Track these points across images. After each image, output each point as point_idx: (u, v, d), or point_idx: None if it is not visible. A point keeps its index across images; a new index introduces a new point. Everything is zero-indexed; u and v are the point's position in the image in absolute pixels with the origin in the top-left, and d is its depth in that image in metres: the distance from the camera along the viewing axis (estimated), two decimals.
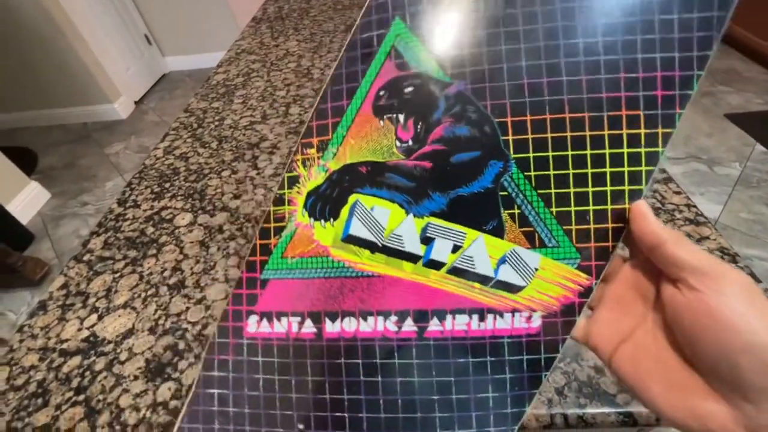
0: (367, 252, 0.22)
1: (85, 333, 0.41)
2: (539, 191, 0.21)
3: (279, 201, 0.25)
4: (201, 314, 0.42)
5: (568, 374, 0.34)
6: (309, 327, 0.23)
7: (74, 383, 0.37)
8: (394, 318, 0.22)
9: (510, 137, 0.21)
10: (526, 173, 0.21)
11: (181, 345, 0.39)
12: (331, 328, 0.22)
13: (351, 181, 0.23)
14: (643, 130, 0.20)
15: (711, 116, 1.77)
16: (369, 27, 0.23)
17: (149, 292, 0.44)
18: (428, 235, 0.22)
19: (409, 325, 0.22)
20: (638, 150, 0.20)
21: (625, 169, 0.20)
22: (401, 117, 0.22)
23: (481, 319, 0.21)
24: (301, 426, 0.22)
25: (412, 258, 0.22)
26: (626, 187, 0.20)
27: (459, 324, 0.21)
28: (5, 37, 1.89)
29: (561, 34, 0.20)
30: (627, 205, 0.20)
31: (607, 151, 0.20)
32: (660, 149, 0.20)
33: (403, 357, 0.22)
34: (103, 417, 0.34)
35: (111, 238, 0.52)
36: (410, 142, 0.22)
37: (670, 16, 0.20)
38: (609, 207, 0.20)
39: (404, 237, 0.22)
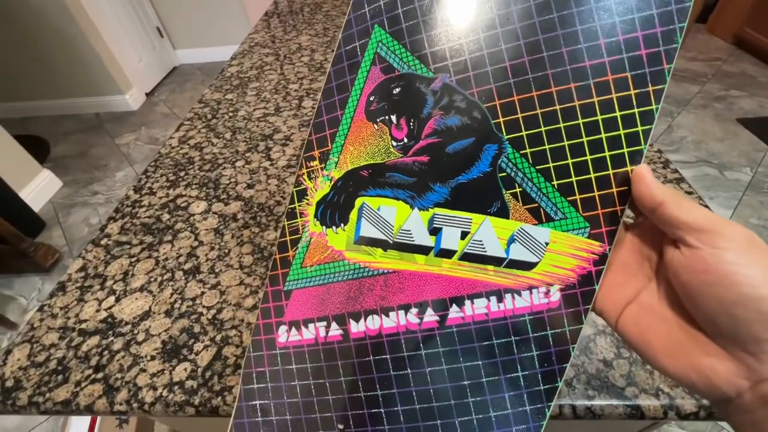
0: (379, 251, 0.23)
1: (103, 314, 0.42)
2: (537, 167, 0.21)
3: (291, 215, 0.26)
4: (216, 299, 0.43)
5: (577, 366, 0.34)
6: (335, 330, 0.23)
7: (93, 362, 0.38)
8: (414, 311, 0.22)
9: (501, 119, 0.21)
10: (521, 152, 0.21)
11: (197, 328, 0.40)
12: (356, 328, 0.23)
13: (355, 185, 0.24)
14: (632, 91, 0.20)
15: (723, 120, 1.76)
16: (351, 39, 0.24)
17: (165, 277, 0.45)
18: (435, 225, 0.22)
19: (430, 315, 0.22)
20: (631, 111, 0.20)
21: (621, 132, 0.20)
22: (393, 117, 0.23)
23: (500, 300, 0.21)
24: (341, 426, 0.23)
25: (424, 250, 0.22)
26: (625, 150, 0.20)
27: (478, 308, 0.22)
28: (20, 26, 1.92)
29: (535, 13, 0.21)
30: (629, 168, 0.20)
31: (599, 117, 0.20)
32: (654, 107, 0.20)
33: (429, 347, 0.22)
34: (122, 394, 0.35)
35: (128, 224, 0.53)
36: (405, 140, 0.23)
37: None
38: (611, 172, 0.20)
39: (413, 231, 0.23)
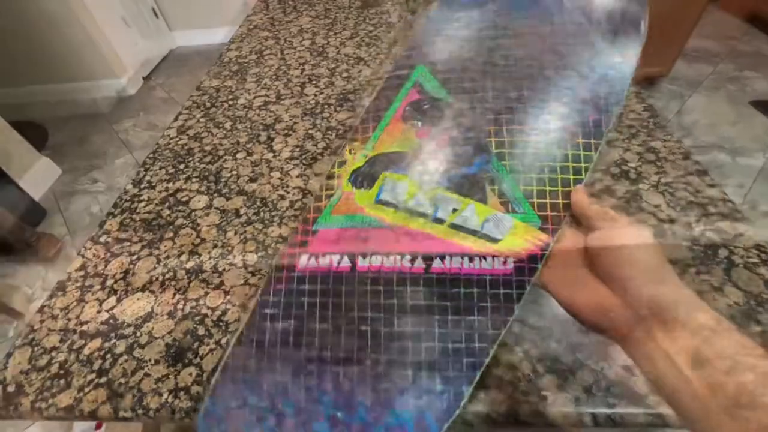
0: (392, 210, 0.31)
1: (105, 315, 0.41)
2: (511, 174, 0.30)
3: (330, 176, 0.35)
4: (220, 300, 0.41)
5: (596, 372, 0.33)
6: (346, 262, 0.31)
7: (96, 365, 0.37)
8: (408, 257, 0.30)
9: (492, 139, 0.31)
10: (502, 162, 0.31)
11: (201, 330, 0.39)
12: (362, 263, 0.30)
13: (383, 163, 0.33)
14: (581, 140, 0.31)
15: (736, 103, 1.71)
16: (402, 68, 0.36)
17: (167, 276, 0.44)
18: (436, 201, 0.31)
19: (419, 263, 0.29)
20: (578, 153, 0.30)
21: (570, 164, 0.30)
22: (419, 123, 0.33)
23: (471, 261, 0.29)
24: (339, 414, 0.27)
25: (424, 215, 0.30)
26: (571, 177, 0.30)
27: (455, 264, 0.29)
28: (12, 10, 1.85)
29: (511, 88, 0.33)
30: (572, 188, 0.29)
31: (557, 152, 0.30)
32: (593, 153, 0.30)
33: (414, 286, 0.29)
34: (126, 400, 0.34)
35: (127, 220, 0.51)
36: (426, 140, 0.33)
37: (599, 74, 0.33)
38: (560, 189, 0.29)
39: (419, 201, 0.31)
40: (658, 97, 1.78)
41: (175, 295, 0.42)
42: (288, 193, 0.52)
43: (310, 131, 0.61)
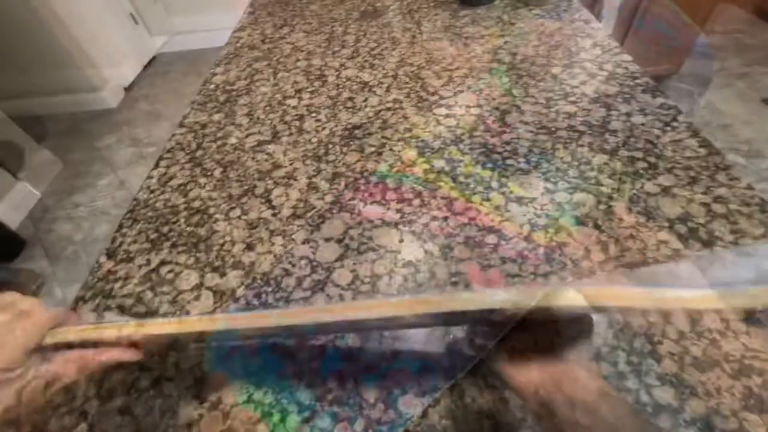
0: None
1: None
2: None
3: None
4: (219, 426, 0.33)
5: None
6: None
7: None
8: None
9: None
10: None
11: None
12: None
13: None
14: None
15: (747, 101, 1.64)
16: None
17: (151, 393, 0.35)
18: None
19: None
20: None
21: None
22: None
23: None
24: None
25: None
26: None
27: None
28: None
29: None
30: None
31: None
32: None
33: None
34: None
35: (101, 306, 0.42)
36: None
37: None
38: None
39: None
40: (669, 97, 1.70)
41: (162, 418, 0.34)
42: (293, 266, 0.43)
43: (313, 180, 0.53)
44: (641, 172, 0.48)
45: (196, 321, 0.30)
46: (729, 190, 0.45)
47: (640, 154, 0.50)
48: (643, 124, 0.54)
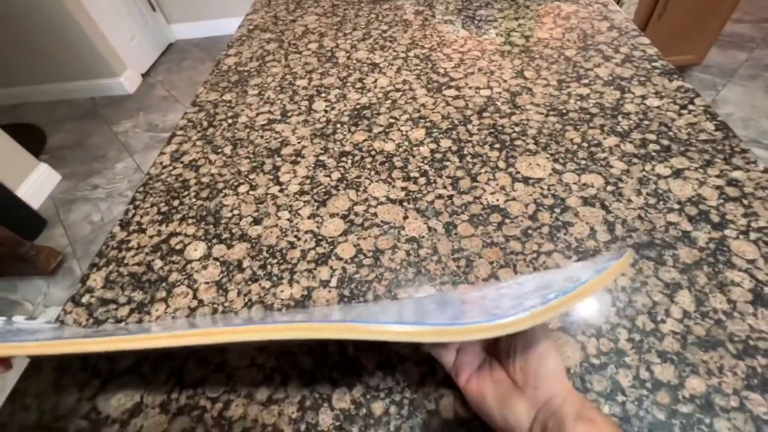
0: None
1: (85, 406, 0.34)
2: None
3: None
4: (222, 386, 0.34)
5: None
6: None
7: None
8: None
9: None
10: None
11: (200, 430, 0.32)
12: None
13: None
14: None
15: None
16: None
17: (158, 353, 0.37)
18: None
19: None
20: None
21: None
22: None
23: None
24: None
25: None
26: None
27: None
28: (2, 8, 1.77)
29: None
30: None
31: None
32: None
33: None
34: None
35: (113, 274, 0.44)
36: None
37: None
38: None
39: None
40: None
41: (168, 379, 0.35)
42: (299, 239, 0.44)
43: (321, 157, 0.53)
44: (653, 154, 0.47)
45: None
46: (745, 174, 0.44)
47: (653, 137, 0.49)
48: (658, 107, 0.53)
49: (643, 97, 0.55)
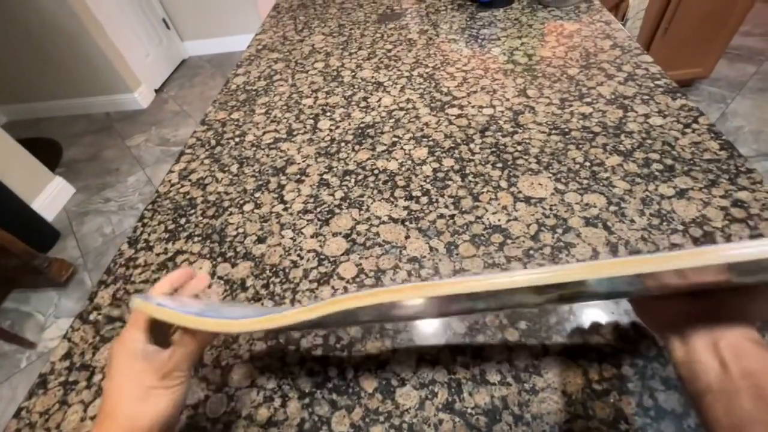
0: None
1: (89, 425, 0.35)
2: None
3: None
4: (223, 407, 0.34)
5: None
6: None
7: None
8: None
9: None
10: None
11: None
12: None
13: None
14: None
15: None
16: None
17: None
18: None
19: None
20: None
21: None
22: None
23: None
24: None
25: None
26: None
27: None
28: (24, 26, 1.84)
29: None
30: None
31: None
32: None
33: None
34: None
35: (120, 291, 0.45)
36: None
37: None
38: None
39: None
40: (697, 102, 1.64)
41: None
42: (301, 258, 0.45)
43: (325, 176, 0.54)
44: (656, 174, 0.47)
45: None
46: (751, 194, 0.43)
47: (656, 156, 0.49)
48: (661, 126, 0.53)
49: (646, 115, 0.55)
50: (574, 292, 0.21)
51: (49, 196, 1.64)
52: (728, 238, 0.40)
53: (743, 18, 1.41)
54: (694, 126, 0.52)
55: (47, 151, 1.94)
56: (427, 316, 0.30)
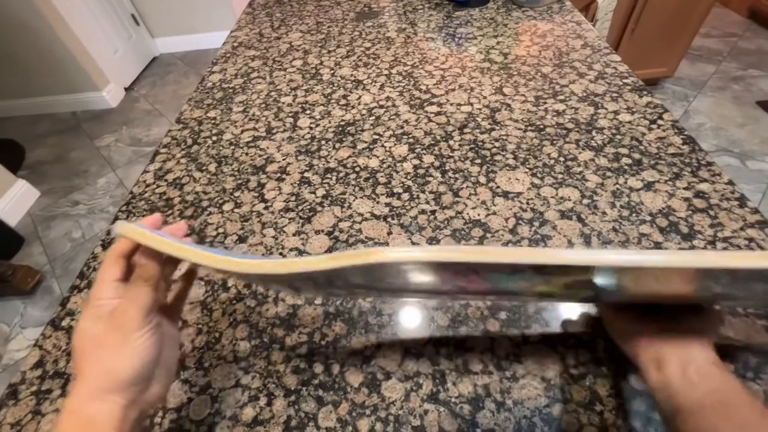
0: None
1: None
2: None
3: None
4: (206, 410, 0.34)
5: None
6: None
7: None
8: None
9: None
10: None
11: None
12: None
13: None
14: None
15: (742, 104, 1.66)
16: None
17: None
18: None
19: None
20: None
21: None
22: None
23: None
24: None
25: None
26: None
27: None
28: None
29: None
30: None
31: None
32: None
33: None
34: None
35: None
36: None
37: None
38: None
39: None
40: (663, 99, 1.72)
41: None
42: (284, 256, 0.44)
43: (306, 174, 0.54)
44: (625, 167, 0.49)
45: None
46: (711, 186, 0.46)
47: (625, 151, 0.51)
48: (629, 122, 0.55)
49: (616, 112, 0.57)
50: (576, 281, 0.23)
51: (11, 200, 1.56)
52: (691, 228, 0.42)
53: (703, 20, 1.48)
54: (660, 122, 0.55)
55: (8, 153, 1.84)
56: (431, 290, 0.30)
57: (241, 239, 0.47)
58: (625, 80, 0.62)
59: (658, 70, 1.66)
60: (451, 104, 0.62)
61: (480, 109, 0.61)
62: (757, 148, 1.47)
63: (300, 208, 0.50)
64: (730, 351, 0.33)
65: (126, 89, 2.25)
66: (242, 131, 0.63)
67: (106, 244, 0.49)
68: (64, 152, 1.89)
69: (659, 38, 1.53)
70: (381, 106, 0.64)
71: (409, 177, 0.52)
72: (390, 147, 0.56)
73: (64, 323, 0.41)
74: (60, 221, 1.56)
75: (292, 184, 0.53)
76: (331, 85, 0.70)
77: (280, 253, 0.45)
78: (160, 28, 2.47)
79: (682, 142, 0.52)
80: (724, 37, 2.03)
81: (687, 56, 1.79)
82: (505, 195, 0.48)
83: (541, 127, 0.56)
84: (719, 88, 1.75)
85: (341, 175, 0.53)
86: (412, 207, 0.48)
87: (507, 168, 0.51)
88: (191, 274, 0.32)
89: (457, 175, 0.51)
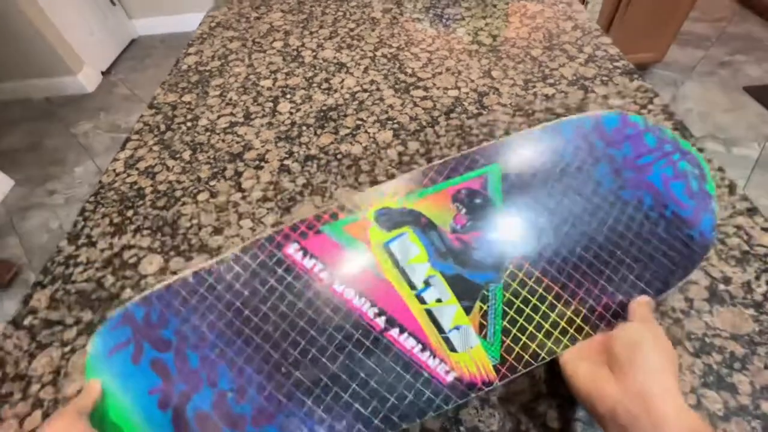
0: (390, 263, 0.31)
1: None
2: (504, 306, 0.30)
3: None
4: None
5: None
6: (324, 276, 0.30)
7: None
8: (375, 309, 0.29)
9: (510, 268, 0.31)
10: (505, 293, 0.30)
11: None
12: (337, 286, 0.30)
13: (414, 220, 0.32)
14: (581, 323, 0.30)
15: (729, 89, 1.66)
16: (481, 154, 0.34)
17: None
18: (430, 282, 0.30)
19: (381, 320, 0.29)
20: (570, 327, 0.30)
21: (564, 340, 0.30)
22: (463, 210, 0.33)
23: (423, 350, 0.29)
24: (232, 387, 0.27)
25: (412, 286, 0.30)
26: (557, 349, 0.29)
27: (409, 343, 0.29)
28: None
29: (568, 224, 0.32)
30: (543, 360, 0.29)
31: (553, 316, 0.30)
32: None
33: (364, 336, 0.29)
34: None
35: (59, 292, 0.41)
36: (458, 227, 0.32)
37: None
38: (533, 346, 0.29)
39: (416, 271, 0.30)
40: (652, 84, 1.72)
41: None
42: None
43: (285, 162, 0.52)
44: None
45: None
46: None
47: None
48: (620, 107, 0.54)
49: (606, 96, 0.56)
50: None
51: None
52: None
53: (692, 5, 1.47)
54: (650, 107, 0.53)
55: None
56: None
57: (217, 231, 0.45)
58: (615, 63, 0.61)
59: (648, 54, 1.65)
60: (438, 88, 0.60)
61: (467, 93, 0.58)
62: (743, 134, 1.48)
63: (279, 197, 0.47)
64: (715, 343, 0.33)
65: (103, 73, 2.16)
66: (219, 116, 0.60)
67: (72, 238, 0.46)
68: (38, 140, 1.82)
69: (649, 23, 1.51)
70: (365, 90, 0.61)
71: (393, 164, 0.50)
72: (374, 133, 0.54)
73: (26, 322, 0.39)
74: (36, 211, 1.50)
75: (271, 172, 0.51)
76: (312, 68, 0.67)
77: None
78: (138, 9, 2.36)
79: (672, 127, 0.50)
80: (713, 22, 2.02)
81: (676, 41, 1.78)
82: None
83: (530, 111, 0.55)
84: (708, 73, 1.75)
85: (322, 162, 0.51)
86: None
87: None
88: None
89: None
